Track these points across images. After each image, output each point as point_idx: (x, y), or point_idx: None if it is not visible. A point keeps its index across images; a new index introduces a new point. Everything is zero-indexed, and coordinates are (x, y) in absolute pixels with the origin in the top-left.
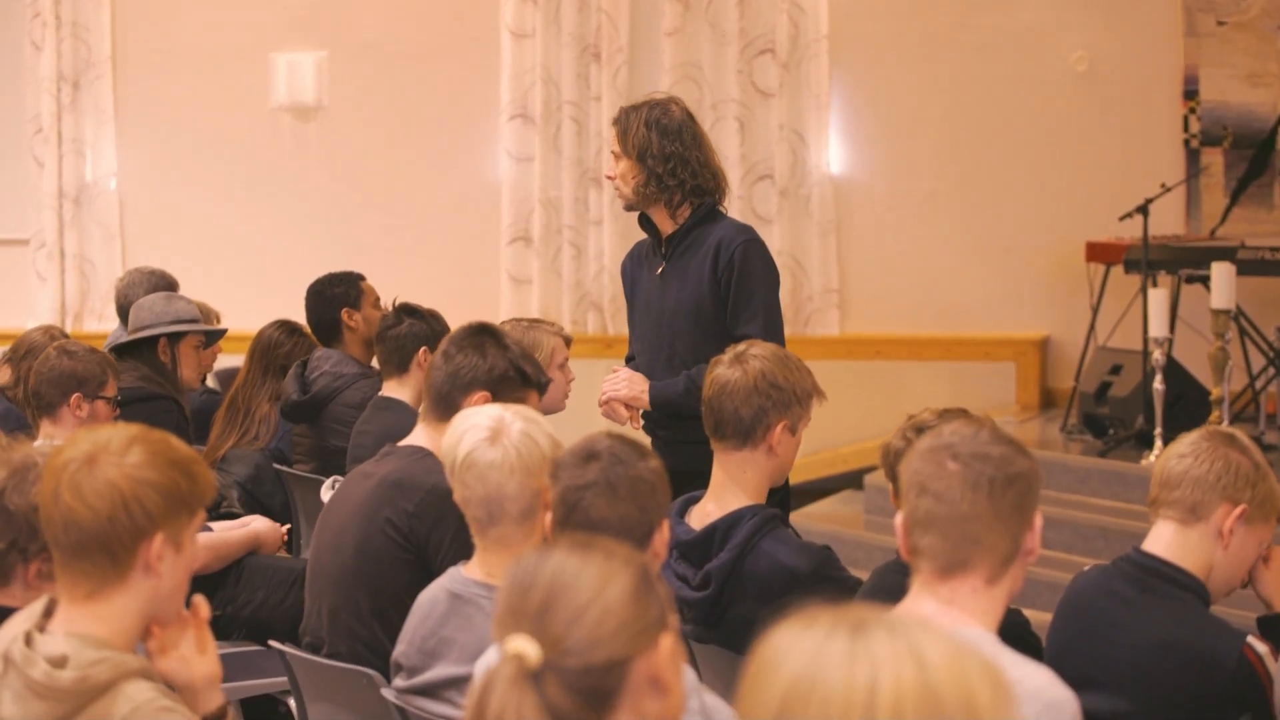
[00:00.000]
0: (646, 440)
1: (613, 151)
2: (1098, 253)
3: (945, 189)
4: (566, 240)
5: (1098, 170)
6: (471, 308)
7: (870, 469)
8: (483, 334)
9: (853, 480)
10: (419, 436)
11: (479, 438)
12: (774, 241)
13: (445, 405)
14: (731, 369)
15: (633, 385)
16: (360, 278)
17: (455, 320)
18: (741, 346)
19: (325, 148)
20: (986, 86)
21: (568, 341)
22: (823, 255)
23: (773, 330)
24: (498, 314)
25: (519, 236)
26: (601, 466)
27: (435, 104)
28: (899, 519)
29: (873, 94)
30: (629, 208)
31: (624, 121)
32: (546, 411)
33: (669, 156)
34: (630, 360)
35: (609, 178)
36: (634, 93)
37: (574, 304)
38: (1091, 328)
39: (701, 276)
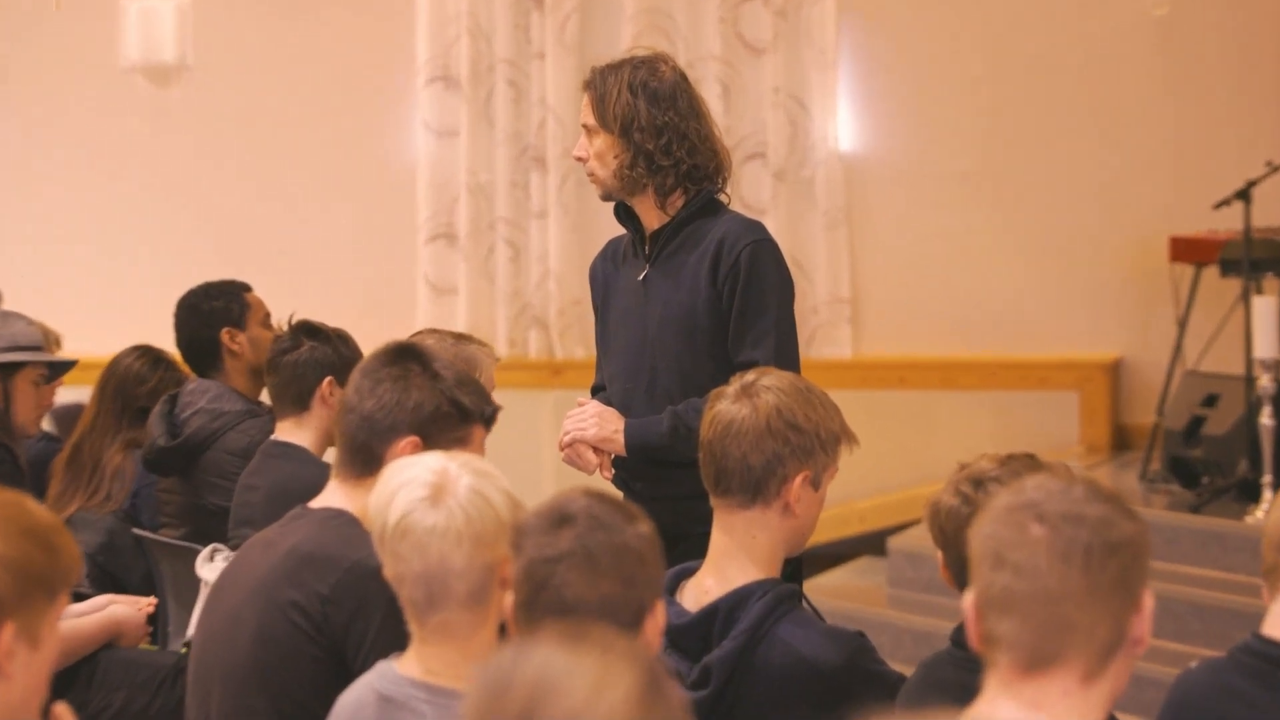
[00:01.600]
0: (617, 494)
1: (584, 125)
2: (1184, 250)
3: (985, 169)
4: (501, 237)
5: (1184, 145)
6: (380, 324)
7: (894, 529)
8: (404, 359)
9: (872, 544)
10: (334, 495)
11: (416, 497)
12: None
13: (364, 457)
14: (738, 404)
15: (603, 423)
16: (244, 288)
17: (360, 341)
18: (751, 376)
19: (190, 120)
20: (1038, 38)
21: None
22: (830, 255)
23: (786, 357)
24: (413, 331)
25: (440, 233)
26: (577, 533)
27: (330, 64)
28: (968, 598)
29: (892, 48)
30: (607, 196)
31: (600, 85)
32: None
33: (661, 129)
34: (598, 392)
35: (579, 159)
36: (587, 49)
37: (511, 319)
38: (1178, 347)
39: (697, 284)
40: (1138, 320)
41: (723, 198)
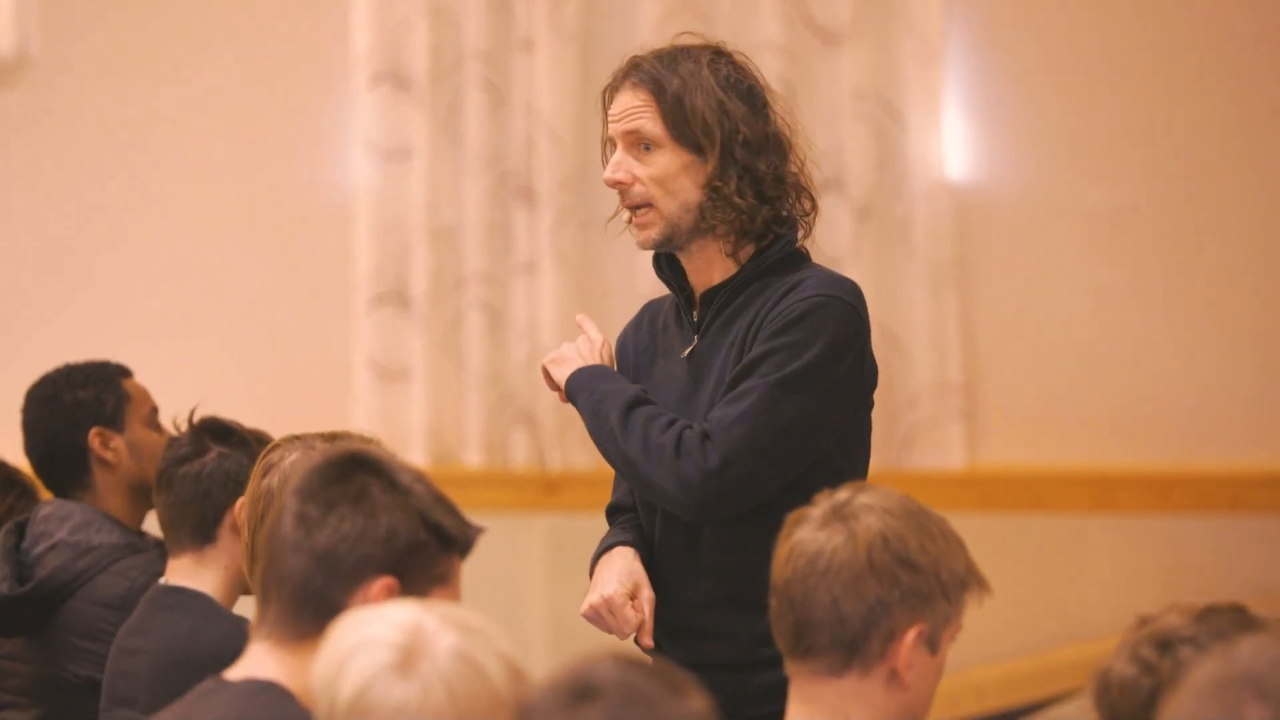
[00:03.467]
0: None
1: (628, 132)
2: None
3: (1152, 207)
4: (473, 300)
5: None
6: (304, 421)
7: (1028, 709)
8: (358, 471)
9: None
10: (262, 662)
11: (380, 663)
12: None
13: (316, 609)
14: (828, 531)
15: (577, 353)
16: (121, 373)
17: None
18: (843, 495)
19: (34, 131)
20: (1232, 22)
21: None
22: (934, 325)
23: (755, 432)
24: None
25: (388, 294)
26: (606, 713)
27: (229, 59)
28: None
29: (1022, 38)
30: (663, 242)
31: (666, 77)
32: None
33: (764, 145)
34: (616, 514)
35: (616, 184)
36: (595, 36)
37: (487, 414)
38: None
39: (747, 348)
40: None
41: (803, 248)
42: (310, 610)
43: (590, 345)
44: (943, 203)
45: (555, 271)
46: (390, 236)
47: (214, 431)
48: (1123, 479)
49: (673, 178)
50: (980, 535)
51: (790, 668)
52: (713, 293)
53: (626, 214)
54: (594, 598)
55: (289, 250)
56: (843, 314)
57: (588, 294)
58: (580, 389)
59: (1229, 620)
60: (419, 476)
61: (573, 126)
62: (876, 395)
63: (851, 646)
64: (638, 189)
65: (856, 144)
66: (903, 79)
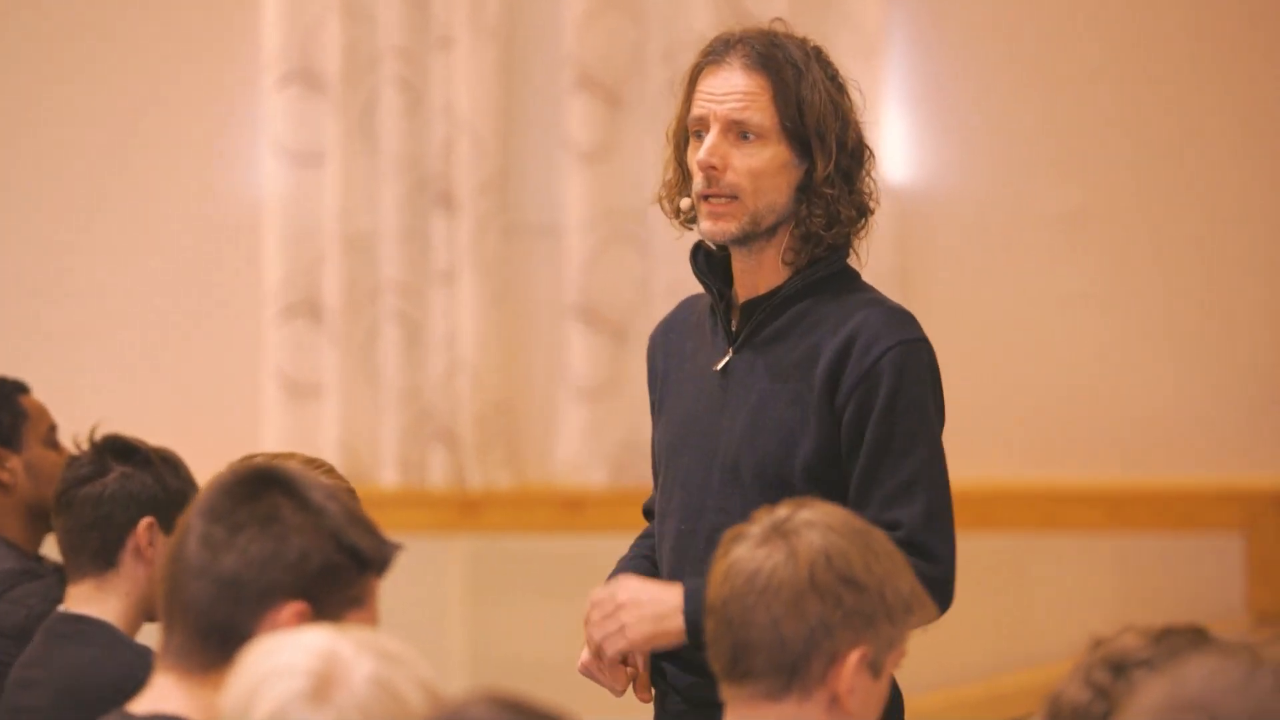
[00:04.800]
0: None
1: (734, 119)
2: None
3: (1106, 213)
4: (389, 312)
5: None
6: (210, 440)
7: None
8: (267, 490)
9: None
10: (167, 694)
11: (292, 691)
12: None
13: (222, 638)
14: (767, 548)
15: (642, 608)
16: (18, 389)
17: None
18: (784, 511)
19: None
20: (1187, 17)
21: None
22: None
23: (941, 521)
24: (259, 450)
25: (299, 306)
26: None
27: (132, 57)
28: None
29: (970, 34)
30: (736, 239)
31: (779, 62)
32: None
33: (860, 153)
34: (650, 515)
35: (709, 168)
36: (517, 33)
37: (404, 431)
38: None
39: (804, 394)
40: None
41: (854, 263)
42: (216, 639)
43: (619, 591)
44: (883, 208)
45: (476, 281)
46: (302, 245)
47: (116, 450)
48: (1073, 496)
49: (771, 174)
50: None
51: (726, 692)
52: (754, 304)
53: (686, 201)
54: (585, 655)
55: (195, 259)
56: (929, 356)
57: (510, 304)
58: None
59: (1187, 642)
60: (333, 494)
61: (494, 128)
62: None
63: (791, 669)
64: (730, 178)
65: None
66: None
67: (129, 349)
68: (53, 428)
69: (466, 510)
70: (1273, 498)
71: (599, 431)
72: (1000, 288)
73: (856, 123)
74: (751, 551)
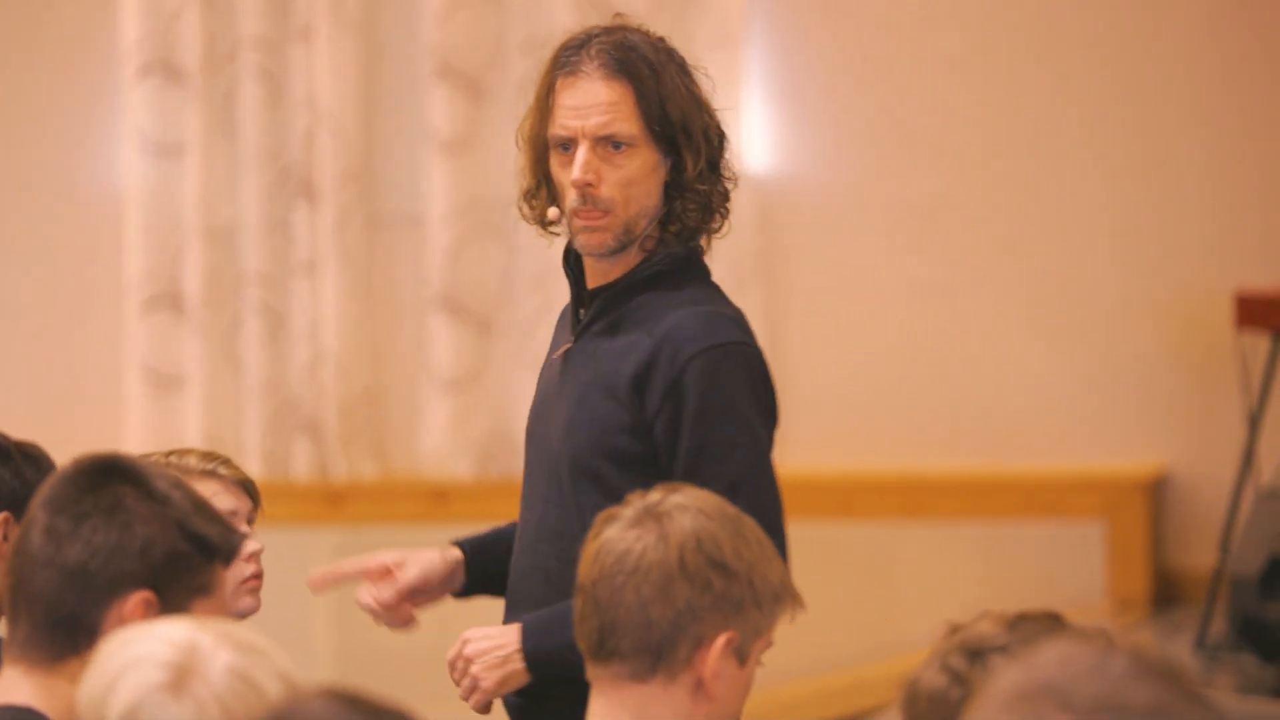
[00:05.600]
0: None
1: (601, 134)
2: (1257, 313)
3: (965, 200)
4: (252, 302)
5: (1254, 165)
6: (71, 431)
7: None
8: (110, 480)
9: None
10: (15, 686)
11: (151, 683)
12: None
13: (68, 629)
14: (638, 529)
15: (481, 663)
16: None
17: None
18: (656, 495)
19: None
20: (1045, 7)
21: (252, 495)
22: None
23: (763, 519)
24: (123, 443)
25: (161, 297)
26: None
27: None
28: None
29: (828, 18)
30: (614, 251)
31: (636, 65)
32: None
33: (721, 139)
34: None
35: (584, 186)
36: (378, 24)
37: (267, 422)
38: (1248, 455)
39: (615, 390)
40: (1190, 417)
41: (704, 253)
42: (63, 630)
43: (475, 638)
44: (744, 197)
45: (339, 271)
46: (163, 236)
47: None
48: (937, 484)
49: (640, 181)
50: (789, 543)
51: (591, 671)
52: (595, 293)
53: (554, 211)
54: (463, 676)
55: (55, 252)
56: (743, 359)
57: (373, 294)
58: (539, 651)
59: (1042, 628)
60: (177, 483)
61: (355, 118)
62: None
63: (657, 651)
64: (604, 192)
65: None
66: (699, 63)
67: None
68: None
69: (331, 501)
70: (1133, 485)
71: (464, 422)
72: (860, 276)
73: (712, 109)
74: (623, 533)
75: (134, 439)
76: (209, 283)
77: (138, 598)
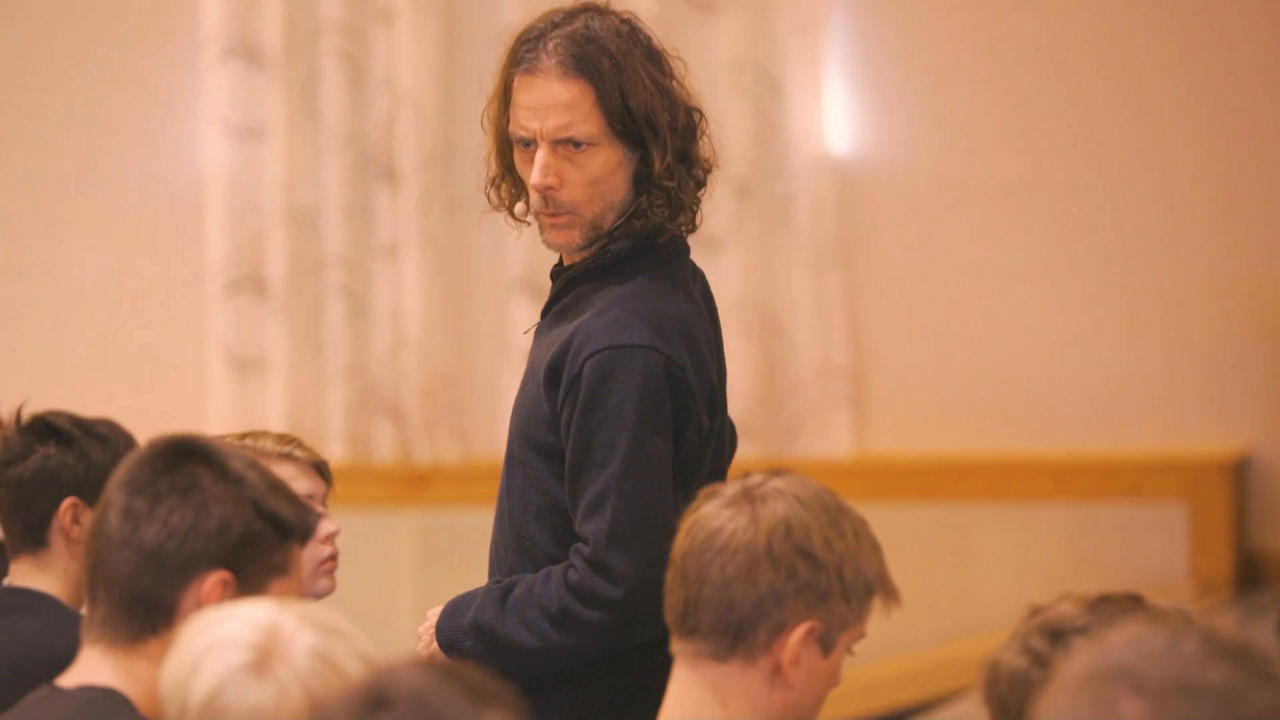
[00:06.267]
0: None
1: (559, 137)
2: None
3: (1044, 181)
4: (333, 286)
5: None
6: (152, 415)
7: (925, 705)
8: (186, 460)
9: None
10: (96, 668)
11: (234, 664)
12: (728, 282)
13: (146, 610)
14: (732, 510)
15: (426, 639)
16: None
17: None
18: (758, 477)
19: None
20: None
21: (325, 476)
22: (819, 308)
23: (629, 535)
24: (205, 426)
25: (243, 281)
26: None
27: (71, 34)
28: None
29: (909, 6)
30: (582, 248)
31: (595, 59)
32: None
33: (693, 126)
34: None
35: (545, 189)
36: (458, 6)
37: (349, 406)
38: None
39: (540, 380)
40: (1273, 397)
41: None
42: (141, 610)
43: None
44: (825, 179)
45: (420, 254)
46: (245, 220)
47: (39, 430)
48: (1016, 466)
49: (605, 179)
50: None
51: (675, 646)
52: (554, 274)
53: (520, 207)
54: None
55: (137, 236)
56: (639, 363)
57: (454, 277)
58: (452, 638)
59: (1123, 610)
60: (252, 463)
61: (436, 101)
62: (755, 382)
63: (736, 631)
64: (566, 194)
65: (734, 118)
66: (782, 49)
67: (74, 327)
68: None
69: (414, 484)
70: (1215, 466)
71: None
72: (940, 258)
73: (683, 95)
74: (717, 511)
75: (216, 423)
76: (291, 266)
77: (215, 578)
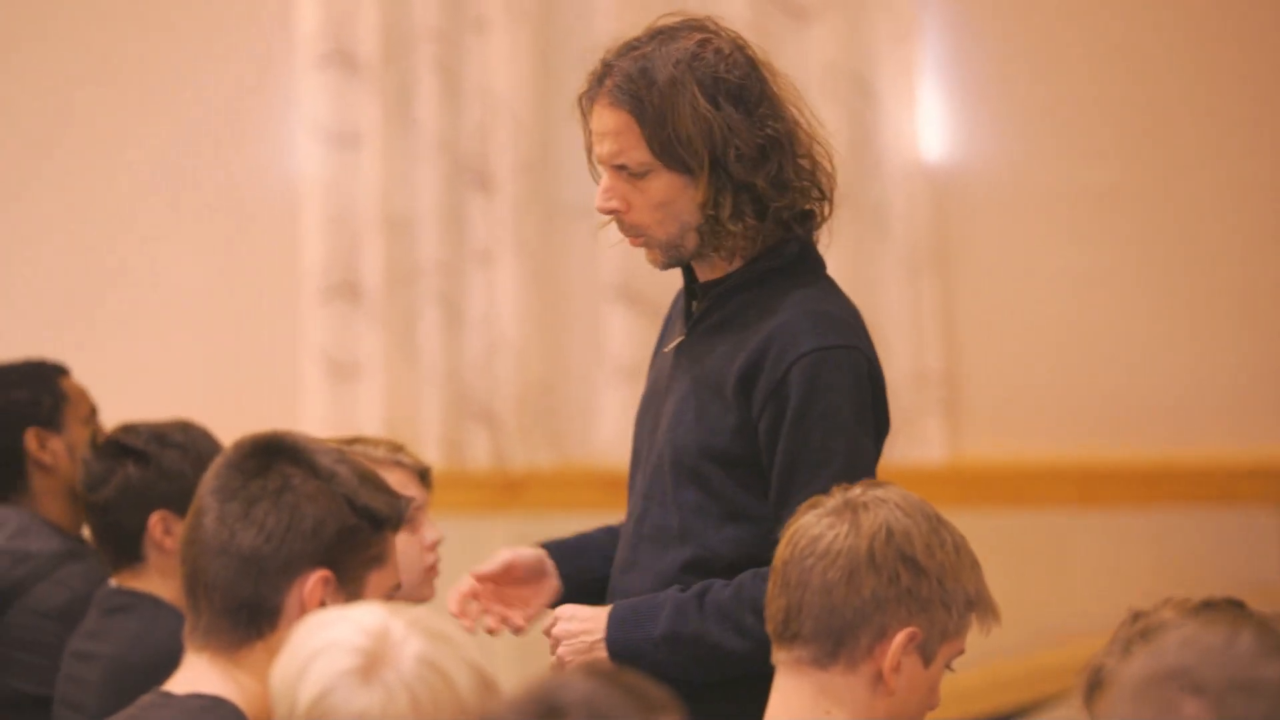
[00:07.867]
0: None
1: (614, 165)
2: None
3: (1141, 188)
4: (429, 292)
5: None
6: (249, 420)
7: (1020, 711)
8: (274, 460)
9: None
10: (202, 674)
11: (341, 669)
12: None
13: (249, 614)
14: (833, 518)
15: (569, 645)
16: (58, 372)
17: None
18: (858, 488)
19: None
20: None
21: (425, 479)
22: (913, 312)
23: None
24: (301, 431)
25: (339, 287)
26: None
27: (167, 41)
28: None
29: (1002, 13)
30: (670, 266)
31: (640, 90)
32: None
33: (768, 150)
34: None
35: (610, 212)
36: (551, 18)
37: (444, 411)
38: None
39: (723, 389)
40: None
41: (815, 242)
42: (244, 616)
43: (576, 612)
44: (919, 185)
45: (515, 261)
46: (340, 226)
47: (115, 451)
48: (1109, 472)
49: (670, 202)
50: (962, 532)
51: (776, 654)
52: (707, 287)
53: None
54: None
55: (234, 242)
56: (849, 363)
57: (549, 284)
58: (620, 642)
59: (1225, 615)
60: (341, 457)
61: (531, 109)
62: None
63: (839, 637)
64: (632, 218)
65: (828, 126)
66: (876, 56)
67: (169, 332)
68: (93, 410)
69: (509, 490)
70: None
71: None
72: (1033, 264)
73: (750, 122)
74: (819, 519)
75: (311, 427)
76: (385, 272)
77: (316, 577)
